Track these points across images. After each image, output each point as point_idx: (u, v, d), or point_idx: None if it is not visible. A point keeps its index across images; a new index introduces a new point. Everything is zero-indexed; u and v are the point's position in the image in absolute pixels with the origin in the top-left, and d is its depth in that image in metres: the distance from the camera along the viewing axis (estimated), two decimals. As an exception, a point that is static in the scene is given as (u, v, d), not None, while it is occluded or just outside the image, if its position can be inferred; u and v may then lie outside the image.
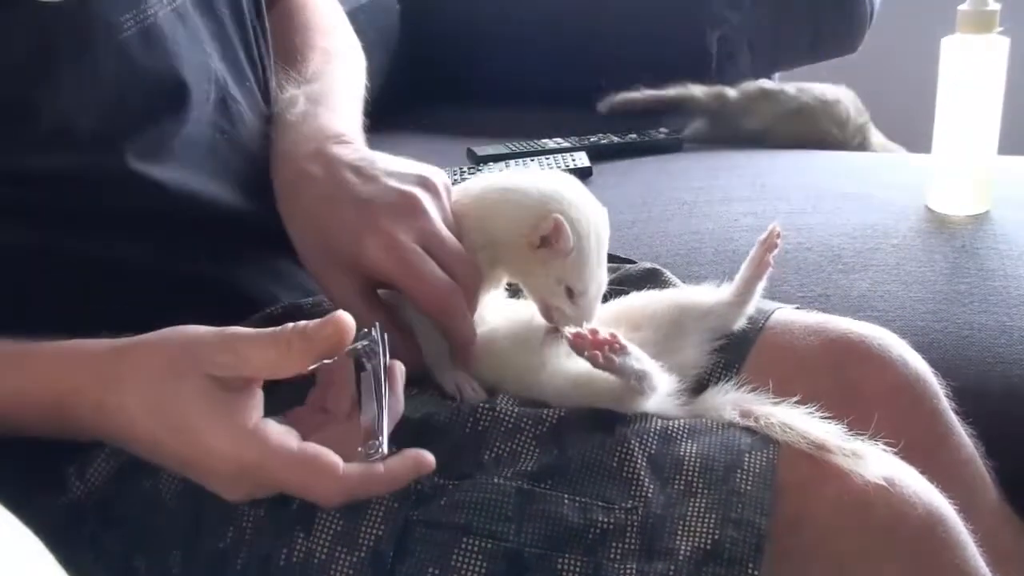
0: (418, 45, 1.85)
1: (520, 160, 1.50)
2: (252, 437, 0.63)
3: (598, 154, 1.52)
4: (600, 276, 0.77)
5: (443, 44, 1.87)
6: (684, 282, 0.89)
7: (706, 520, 0.66)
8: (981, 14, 1.21)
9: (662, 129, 1.61)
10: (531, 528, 0.66)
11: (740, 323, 0.82)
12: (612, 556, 0.66)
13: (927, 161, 1.31)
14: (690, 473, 0.69)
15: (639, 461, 0.69)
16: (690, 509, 0.67)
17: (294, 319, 0.64)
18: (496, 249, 0.78)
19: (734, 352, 0.82)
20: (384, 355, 0.66)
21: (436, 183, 0.79)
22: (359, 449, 0.65)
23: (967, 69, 1.23)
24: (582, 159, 1.47)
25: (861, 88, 1.71)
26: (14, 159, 0.70)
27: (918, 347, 0.85)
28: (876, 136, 1.71)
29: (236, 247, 0.83)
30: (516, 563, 0.66)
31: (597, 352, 0.69)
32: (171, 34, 0.77)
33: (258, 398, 0.65)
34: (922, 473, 0.72)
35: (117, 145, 0.74)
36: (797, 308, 0.87)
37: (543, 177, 0.79)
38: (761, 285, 0.81)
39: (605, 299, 0.80)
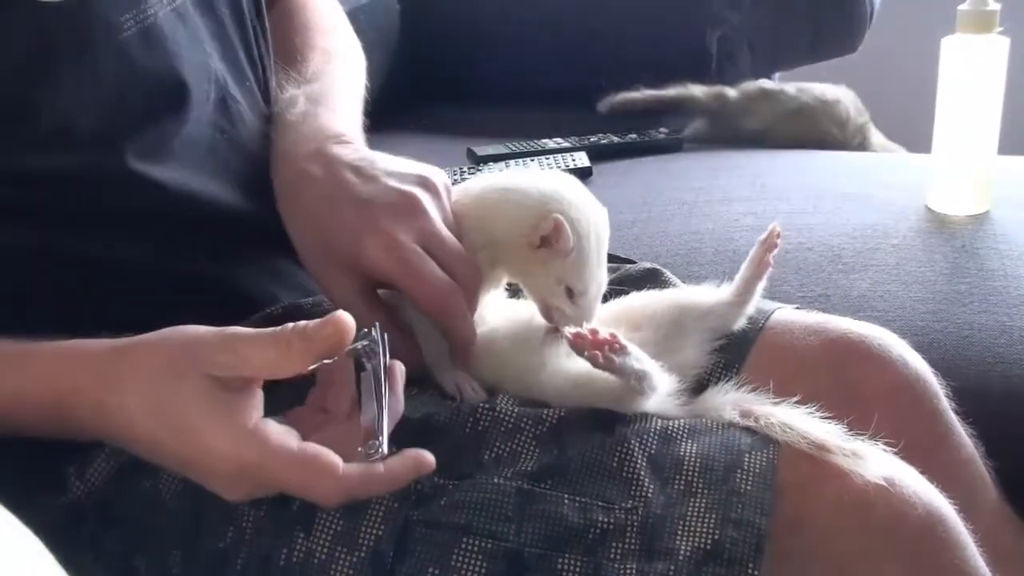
0: (418, 45, 1.85)
1: (520, 160, 1.50)
2: (252, 437, 0.63)
3: (598, 154, 1.52)
4: (600, 276, 0.77)
5: (443, 44, 1.87)
6: (684, 282, 0.89)
7: (706, 520, 0.66)
8: (981, 14, 1.21)
9: (662, 129, 1.61)
10: (531, 528, 0.66)
11: (740, 323, 0.82)
12: (612, 556, 0.66)
13: (927, 161, 1.31)
14: (690, 473, 0.69)
15: (639, 461, 0.69)
16: (690, 509, 0.67)
17: (294, 319, 0.64)
18: (496, 249, 0.78)
19: (734, 352, 0.82)
20: (384, 355, 0.66)
21: (436, 183, 0.79)
22: (359, 449, 0.65)
23: (967, 69, 1.23)
24: (582, 159, 1.47)
25: (861, 88, 1.71)
26: (14, 159, 0.70)
27: (918, 347, 0.85)
28: (876, 136, 1.72)
29: (236, 247, 0.83)
30: (516, 563, 0.66)
31: (597, 352, 0.69)
32: (171, 34, 0.77)
33: (258, 398, 0.65)
34: (922, 473, 0.72)
35: (117, 145, 0.74)
36: (797, 308, 0.87)
37: (543, 177, 0.79)
38: (761, 285, 0.81)
39: (605, 299, 0.80)
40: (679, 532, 0.66)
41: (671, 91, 1.64)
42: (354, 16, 1.07)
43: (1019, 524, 0.87)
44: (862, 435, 0.70)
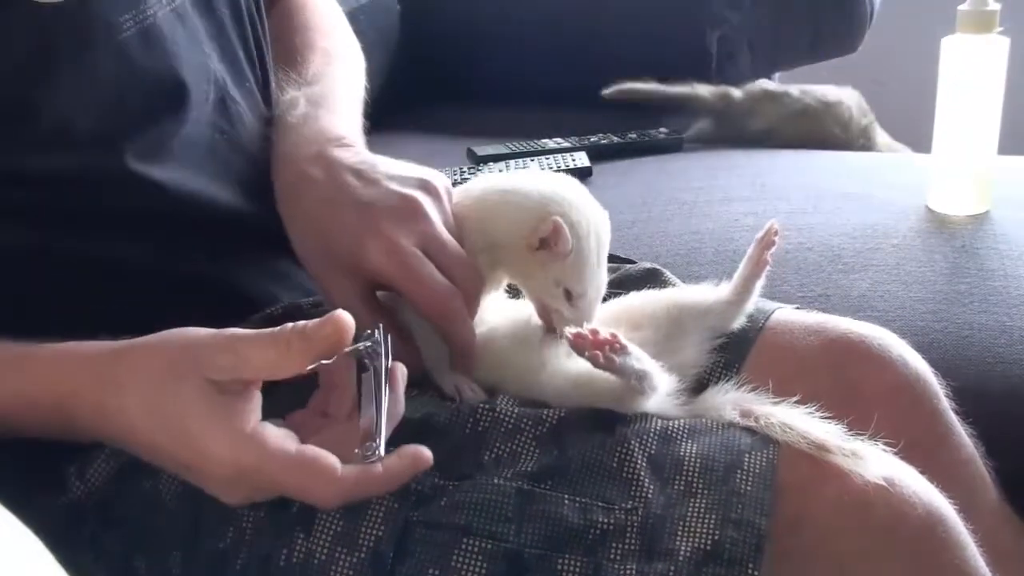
0: (418, 45, 1.85)
1: (520, 160, 1.50)
2: (250, 441, 0.63)
3: (598, 154, 1.52)
4: (599, 279, 0.77)
5: (443, 44, 1.87)
6: (684, 282, 0.89)
7: (706, 520, 0.66)
8: (981, 14, 1.21)
9: (662, 129, 1.61)
10: (531, 529, 0.66)
11: (739, 322, 0.82)
12: (612, 556, 0.66)
13: (927, 161, 1.31)
14: (690, 473, 0.69)
15: (639, 461, 0.69)
16: (690, 509, 0.67)
17: (294, 319, 0.64)
18: (496, 251, 0.78)
19: (734, 352, 0.82)
20: (386, 356, 0.66)
21: (437, 186, 0.79)
22: (356, 451, 0.64)
23: (967, 69, 1.23)
24: (582, 159, 1.47)
25: (861, 88, 1.71)
26: (14, 159, 0.70)
27: (918, 347, 0.85)
28: (881, 136, 1.72)
29: (236, 247, 0.83)
30: (516, 564, 0.65)
31: (597, 352, 0.69)
32: (170, 34, 0.77)
33: (256, 401, 0.65)
34: (922, 473, 0.72)
35: (117, 145, 0.74)
36: (797, 308, 0.87)
37: (544, 179, 0.79)
38: (760, 283, 0.81)
39: (605, 299, 0.79)
40: (679, 532, 0.66)
41: (677, 88, 1.64)
42: (354, 16, 1.07)
43: (1019, 524, 0.87)
44: (862, 435, 0.70)
